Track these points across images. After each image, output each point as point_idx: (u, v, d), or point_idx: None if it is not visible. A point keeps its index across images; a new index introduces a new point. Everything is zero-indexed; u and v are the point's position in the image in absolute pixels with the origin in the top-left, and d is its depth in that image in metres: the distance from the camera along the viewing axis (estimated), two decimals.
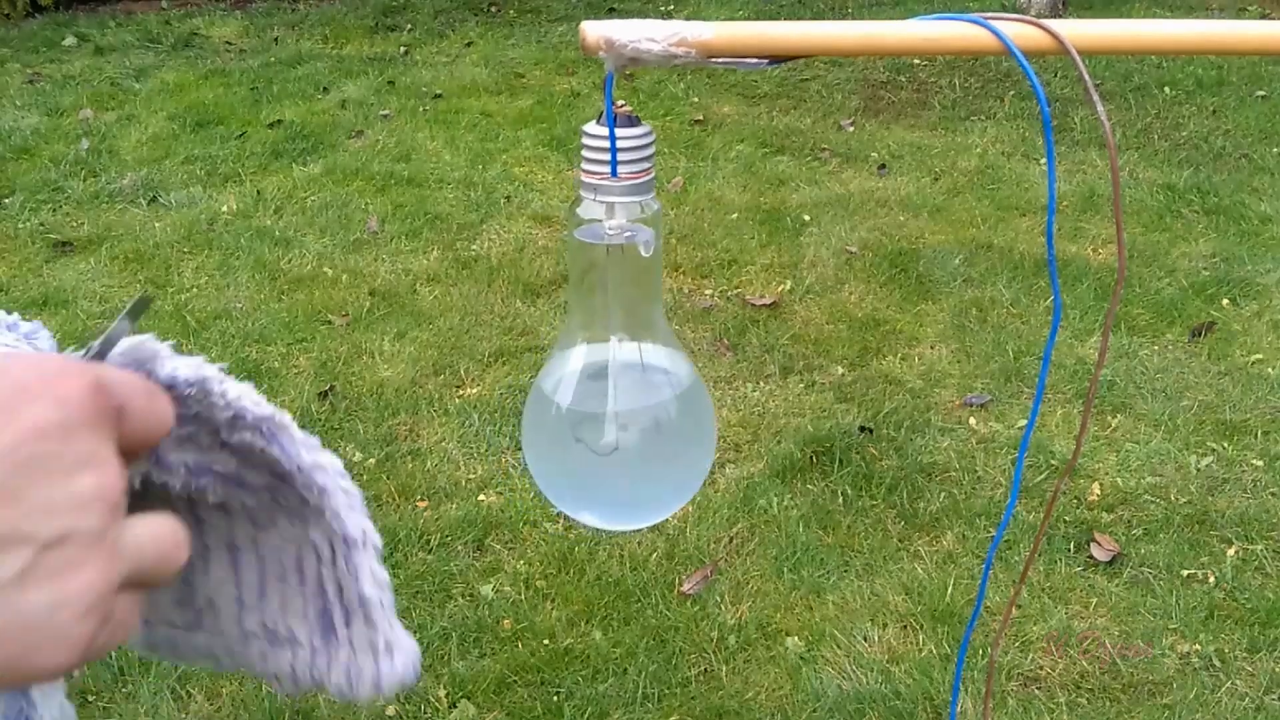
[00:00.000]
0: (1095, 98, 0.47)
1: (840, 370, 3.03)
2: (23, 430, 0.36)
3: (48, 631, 0.36)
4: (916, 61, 5.69)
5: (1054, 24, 0.54)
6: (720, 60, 0.62)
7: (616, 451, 0.67)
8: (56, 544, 0.36)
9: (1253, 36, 0.59)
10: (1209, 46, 0.59)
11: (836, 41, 0.58)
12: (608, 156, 0.65)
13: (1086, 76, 0.50)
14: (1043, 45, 0.54)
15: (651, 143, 0.66)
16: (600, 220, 0.67)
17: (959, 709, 2.02)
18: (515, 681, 2.04)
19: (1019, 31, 0.54)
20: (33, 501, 0.36)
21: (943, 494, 2.53)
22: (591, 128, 0.66)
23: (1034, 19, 0.54)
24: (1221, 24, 0.59)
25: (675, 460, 0.73)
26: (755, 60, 0.61)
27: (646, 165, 0.66)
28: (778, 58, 0.61)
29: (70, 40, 6.15)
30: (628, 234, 0.68)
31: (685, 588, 2.26)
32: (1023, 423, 2.79)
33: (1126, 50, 0.55)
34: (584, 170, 0.67)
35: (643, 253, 0.69)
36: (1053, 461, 2.65)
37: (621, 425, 0.68)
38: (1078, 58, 0.52)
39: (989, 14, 0.56)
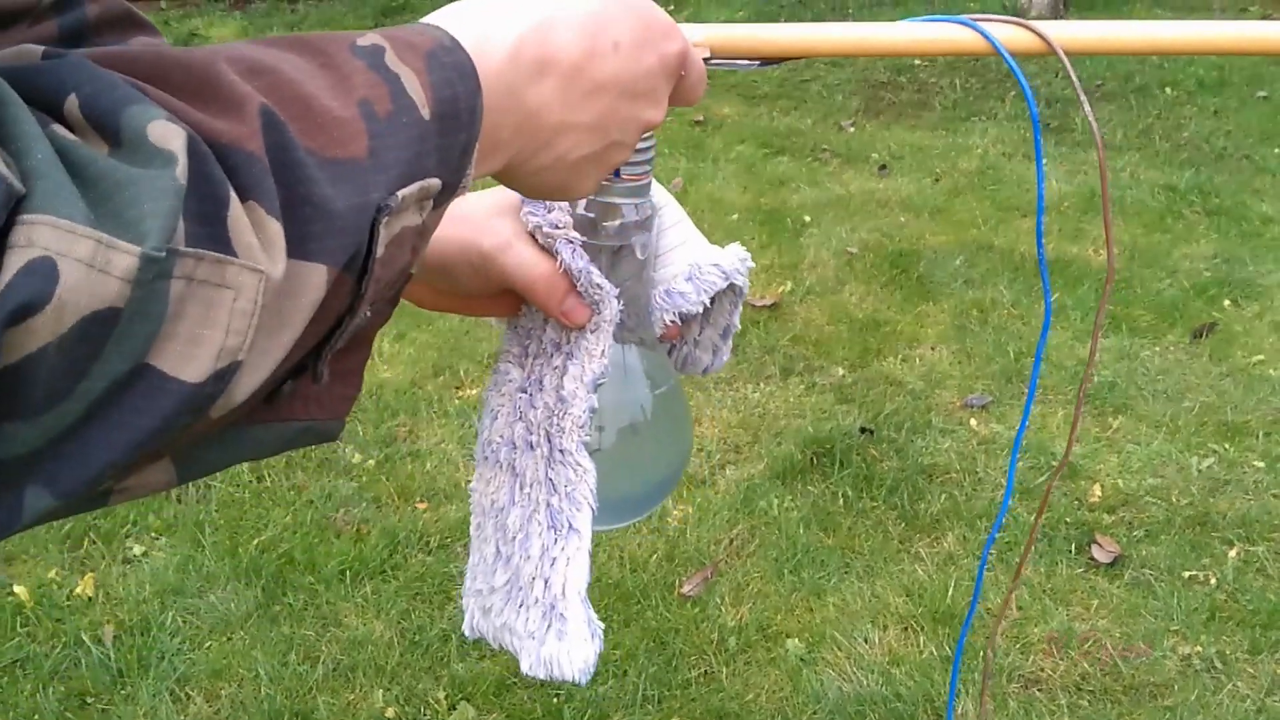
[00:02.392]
0: (1083, 98, 0.47)
1: (841, 371, 3.03)
2: (658, 58, 0.54)
3: (578, 184, 0.55)
4: (917, 62, 5.70)
5: (1042, 26, 0.54)
6: (712, 62, 0.62)
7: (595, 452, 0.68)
8: (614, 145, 0.55)
9: (1246, 37, 0.59)
10: (1202, 47, 0.59)
11: (827, 44, 0.58)
12: None
13: (1075, 78, 0.50)
14: (1031, 47, 0.54)
15: (651, 146, 0.66)
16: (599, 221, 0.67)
17: (960, 710, 2.02)
18: (515, 683, 2.04)
19: (1008, 34, 0.54)
20: (623, 114, 0.54)
21: (943, 495, 2.53)
22: None
23: (1022, 21, 0.54)
24: (1215, 25, 0.59)
25: (649, 464, 0.74)
26: (747, 61, 0.62)
27: (645, 169, 0.67)
28: (770, 59, 0.61)
29: None
30: (628, 234, 0.68)
31: (685, 589, 2.26)
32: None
33: (1116, 51, 0.55)
34: None
35: (638, 254, 0.69)
36: (1053, 462, 2.65)
37: (598, 425, 0.69)
38: (1065, 59, 0.52)
39: (980, 16, 0.55)
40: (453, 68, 0.45)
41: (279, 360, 0.40)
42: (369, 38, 0.44)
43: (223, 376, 0.37)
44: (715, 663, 2.09)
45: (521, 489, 0.68)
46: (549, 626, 0.67)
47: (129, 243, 0.33)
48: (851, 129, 5.00)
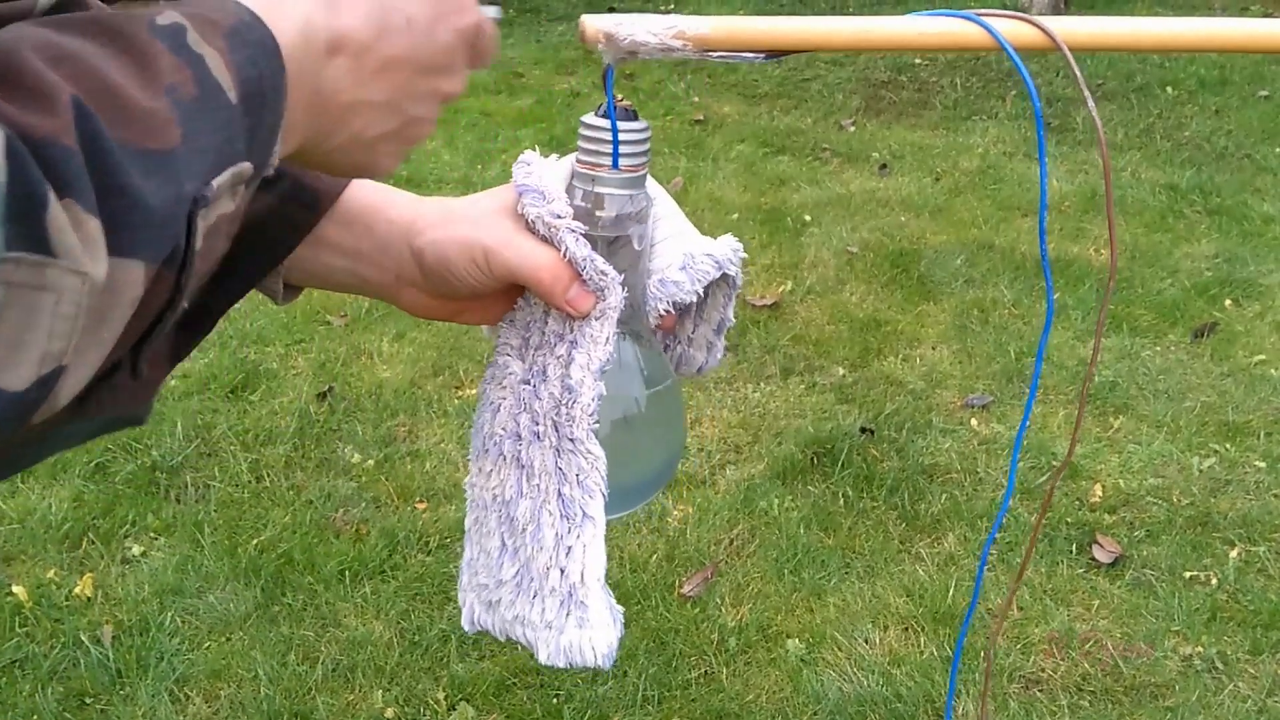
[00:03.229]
0: (1087, 93, 0.47)
1: (841, 371, 3.03)
2: (453, 32, 0.54)
3: (378, 162, 0.55)
4: (918, 61, 5.69)
5: (1048, 21, 0.53)
6: (716, 54, 0.61)
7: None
8: (414, 121, 0.55)
9: (1251, 35, 0.58)
10: (1206, 45, 0.58)
11: (832, 37, 0.57)
12: (606, 148, 0.65)
13: (1078, 73, 0.49)
14: (1037, 42, 0.53)
15: (647, 137, 0.66)
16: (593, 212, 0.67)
17: (961, 710, 2.01)
18: (515, 684, 2.03)
19: (1012, 28, 0.53)
20: (419, 90, 0.54)
21: (944, 495, 2.52)
22: (591, 119, 0.66)
23: (1027, 16, 0.53)
24: (1219, 22, 0.59)
25: (642, 456, 0.74)
26: (751, 55, 0.61)
27: (642, 160, 0.66)
28: (774, 52, 0.61)
29: None
30: (621, 224, 0.68)
31: (685, 590, 2.25)
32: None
33: (1121, 48, 0.54)
34: (580, 162, 0.66)
35: (635, 245, 0.69)
36: (1054, 463, 2.64)
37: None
38: (1070, 55, 0.51)
39: (984, 11, 0.55)
40: (255, 45, 0.44)
41: (100, 360, 0.39)
42: (168, 15, 0.43)
43: (46, 383, 0.36)
44: (715, 663, 2.09)
45: (529, 480, 0.68)
46: (568, 615, 0.67)
47: None
48: (852, 128, 4.99)
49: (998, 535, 2.39)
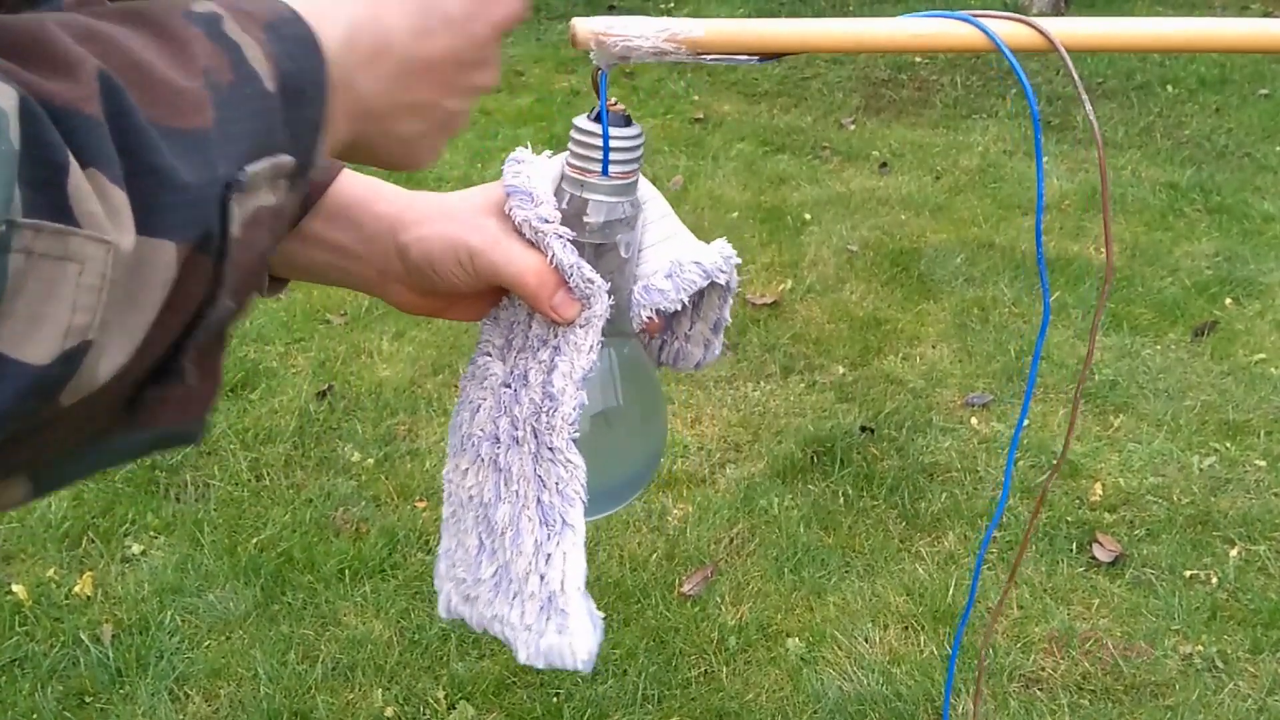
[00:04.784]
0: (1084, 96, 0.47)
1: (841, 370, 3.03)
2: (489, 26, 0.53)
3: (417, 157, 0.56)
4: (918, 59, 5.69)
5: (1043, 22, 0.53)
6: (710, 57, 0.61)
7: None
8: (451, 116, 0.55)
9: (1248, 35, 0.58)
10: (1204, 44, 0.58)
11: (827, 39, 0.57)
12: (596, 153, 0.64)
13: (1075, 74, 0.49)
14: (1032, 43, 0.53)
15: (639, 145, 0.65)
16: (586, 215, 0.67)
17: (961, 710, 2.01)
18: (514, 683, 2.03)
19: (1008, 30, 0.53)
20: (459, 84, 0.54)
21: (944, 494, 2.52)
22: (582, 122, 0.65)
23: (1023, 17, 0.53)
24: (1216, 22, 0.58)
25: (623, 455, 0.74)
26: (745, 57, 0.61)
27: (632, 167, 0.66)
28: (768, 55, 0.61)
29: None
30: (608, 232, 0.67)
31: (685, 588, 2.25)
32: (1025, 422, 2.78)
33: (1117, 48, 0.54)
34: (569, 166, 0.66)
35: (622, 252, 0.68)
36: (1054, 461, 2.64)
37: None
38: (1066, 55, 0.51)
39: (980, 12, 0.55)
40: (293, 40, 0.43)
41: (136, 344, 0.37)
42: (203, 5, 0.42)
43: (71, 358, 0.35)
44: (715, 662, 2.09)
45: (508, 485, 0.68)
46: (548, 620, 0.67)
47: None
48: (852, 126, 4.99)
49: (999, 534, 2.39)
